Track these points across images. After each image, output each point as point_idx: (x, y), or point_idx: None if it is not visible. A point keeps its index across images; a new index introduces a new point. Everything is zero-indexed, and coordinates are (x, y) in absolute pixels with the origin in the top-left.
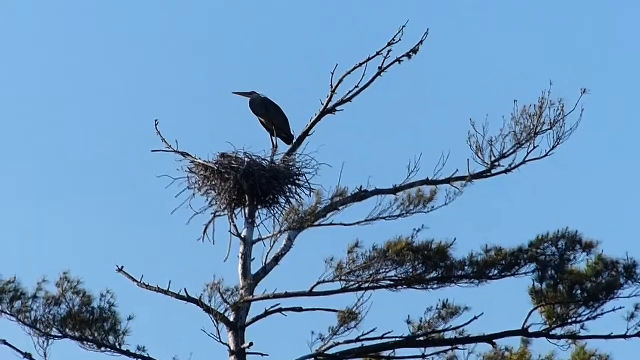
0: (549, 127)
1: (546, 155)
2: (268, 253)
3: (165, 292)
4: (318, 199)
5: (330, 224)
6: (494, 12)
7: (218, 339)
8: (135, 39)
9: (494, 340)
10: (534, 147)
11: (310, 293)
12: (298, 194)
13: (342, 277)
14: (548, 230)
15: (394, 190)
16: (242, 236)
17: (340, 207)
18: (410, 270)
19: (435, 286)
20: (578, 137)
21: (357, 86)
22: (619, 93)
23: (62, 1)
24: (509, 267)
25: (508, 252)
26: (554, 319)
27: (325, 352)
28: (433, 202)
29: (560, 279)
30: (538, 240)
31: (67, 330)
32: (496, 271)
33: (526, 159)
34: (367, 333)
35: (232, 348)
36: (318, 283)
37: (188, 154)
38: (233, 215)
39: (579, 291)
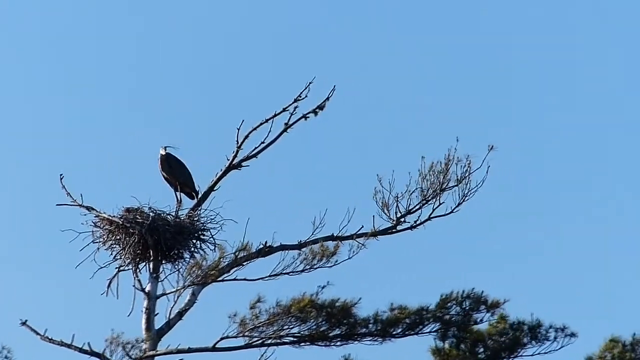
0: (455, 183)
1: (452, 212)
2: (172, 308)
3: (69, 346)
4: (222, 254)
5: (235, 279)
6: (400, 69)
7: None
8: (40, 94)
9: None
10: (440, 204)
11: (214, 349)
12: (203, 249)
13: (246, 333)
14: (453, 290)
15: (299, 246)
16: (147, 291)
17: (245, 263)
18: (314, 327)
19: (338, 343)
20: (485, 194)
21: (263, 142)
22: (524, 150)
23: None
24: (413, 326)
25: (412, 311)
26: None
27: None
28: (337, 257)
29: (463, 338)
30: (443, 300)
31: None
32: (400, 330)
33: (432, 216)
34: None
35: None
36: (222, 339)
37: (93, 209)
38: (137, 270)
39: (481, 349)
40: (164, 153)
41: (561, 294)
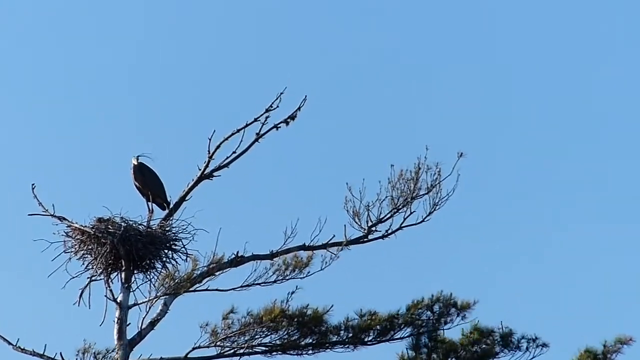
0: (425, 192)
1: (423, 221)
2: (144, 318)
3: (41, 356)
4: (194, 264)
5: (207, 289)
6: (369, 78)
7: None
8: (10, 102)
9: None
10: (411, 213)
11: (186, 359)
12: (175, 260)
13: (218, 343)
14: (423, 295)
15: (271, 255)
16: (118, 301)
17: (217, 273)
18: (286, 336)
19: (310, 352)
20: (455, 202)
21: (234, 152)
22: (494, 158)
23: None
24: (384, 332)
25: (383, 317)
26: None
27: None
28: (309, 268)
29: (435, 347)
30: (413, 305)
31: None
32: (372, 336)
33: (403, 225)
34: None
35: None
36: (194, 348)
37: (65, 218)
38: (109, 280)
39: (453, 359)
40: (136, 162)
41: (533, 303)
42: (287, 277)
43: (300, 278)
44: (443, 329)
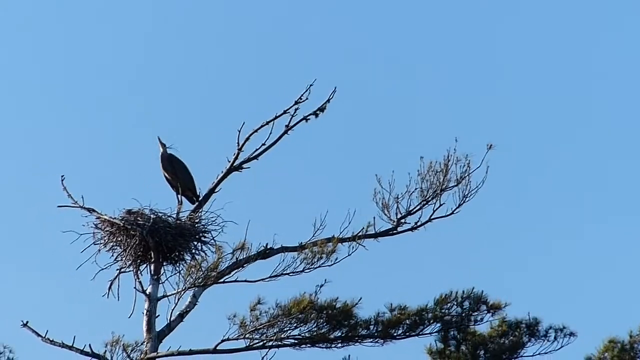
0: (455, 184)
1: (452, 213)
2: (173, 310)
3: (70, 348)
4: (219, 254)
5: (235, 280)
6: (399, 69)
7: None
8: (40, 94)
9: None
10: (440, 205)
11: (215, 351)
12: (204, 251)
13: (247, 335)
14: (453, 290)
15: (300, 248)
16: (147, 293)
17: (245, 265)
18: (315, 328)
19: (339, 345)
20: (486, 195)
21: (264, 144)
22: (524, 150)
23: None
24: (413, 327)
25: (412, 311)
26: None
27: None
28: (336, 255)
29: (464, 340)
30: (442, 299)
31: None
32: (401, 331)
33: (432, 217)
34: None
35: None
36: (223, 341)
37: (94, 210)
38: (138, 272)
39: (482, 351)
40: (165, 153)
41: (561, 295)
42: (315, 266)
43: (329, 266)
44: (472, 325)
